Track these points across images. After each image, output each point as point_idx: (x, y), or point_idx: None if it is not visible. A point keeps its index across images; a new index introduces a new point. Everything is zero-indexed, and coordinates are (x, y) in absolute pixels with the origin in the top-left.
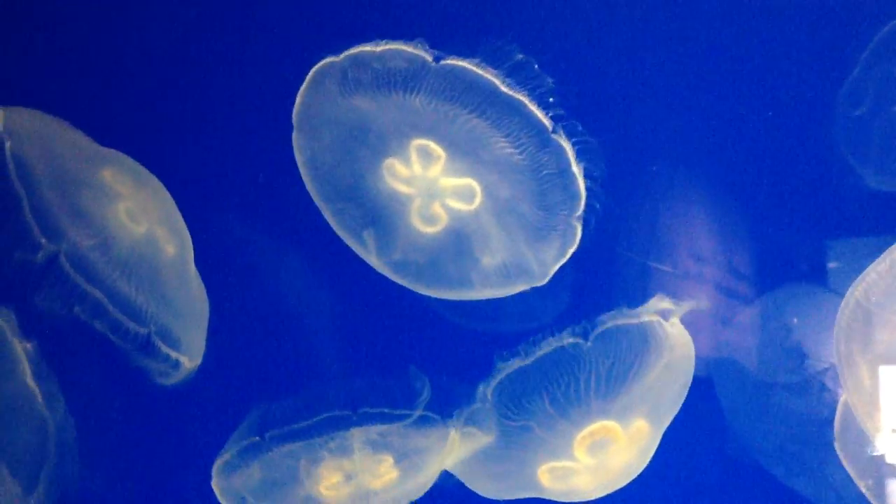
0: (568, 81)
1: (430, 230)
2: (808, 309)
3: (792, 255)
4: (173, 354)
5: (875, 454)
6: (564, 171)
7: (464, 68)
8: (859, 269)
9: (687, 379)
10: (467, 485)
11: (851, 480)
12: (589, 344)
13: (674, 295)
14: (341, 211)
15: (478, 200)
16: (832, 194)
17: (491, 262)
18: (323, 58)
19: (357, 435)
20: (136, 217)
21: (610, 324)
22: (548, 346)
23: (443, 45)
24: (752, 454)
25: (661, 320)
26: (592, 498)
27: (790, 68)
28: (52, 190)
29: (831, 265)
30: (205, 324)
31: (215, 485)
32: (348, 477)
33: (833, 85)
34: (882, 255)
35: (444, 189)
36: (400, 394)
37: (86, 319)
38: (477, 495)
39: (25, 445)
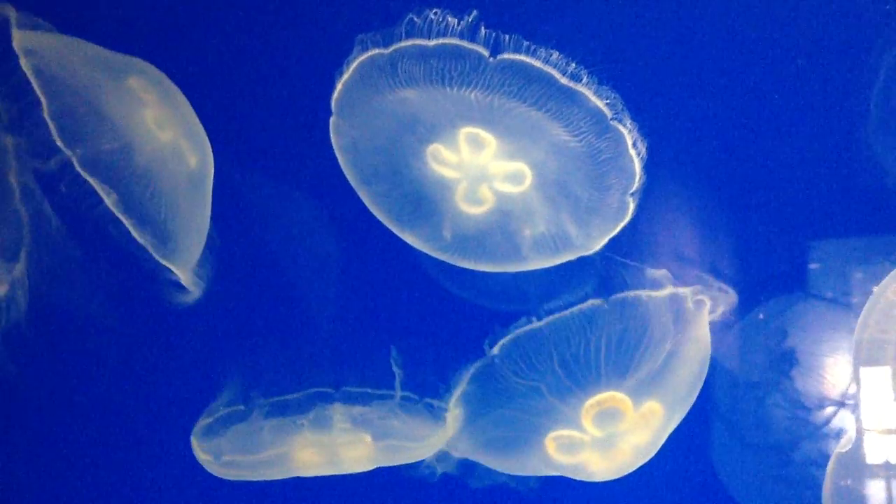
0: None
1: (476, 211)
2: (790, 309)
3: (775, 258)
4: (172, 266)
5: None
6: (622, 155)
7: (523, 62)
8: (840, 270)
9: (702, 369)
10: (474, 457)
11: None
12: (605, 305)
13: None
14: (380, 194)
15: (528, 182)
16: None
17: (537, 236)
18: (363, 37)
19: (339, 410)
20: (163, 125)
21: (629, 294)
22: (563, 310)
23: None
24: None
25: (679, 295)
26: (602, 480)
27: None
28: (73, 96)
29: (812, 266)
30: (202, 243)
31: (194, 444)
32: (324, 448)
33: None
34: None
35: (494, 173)
36: (383, 376)
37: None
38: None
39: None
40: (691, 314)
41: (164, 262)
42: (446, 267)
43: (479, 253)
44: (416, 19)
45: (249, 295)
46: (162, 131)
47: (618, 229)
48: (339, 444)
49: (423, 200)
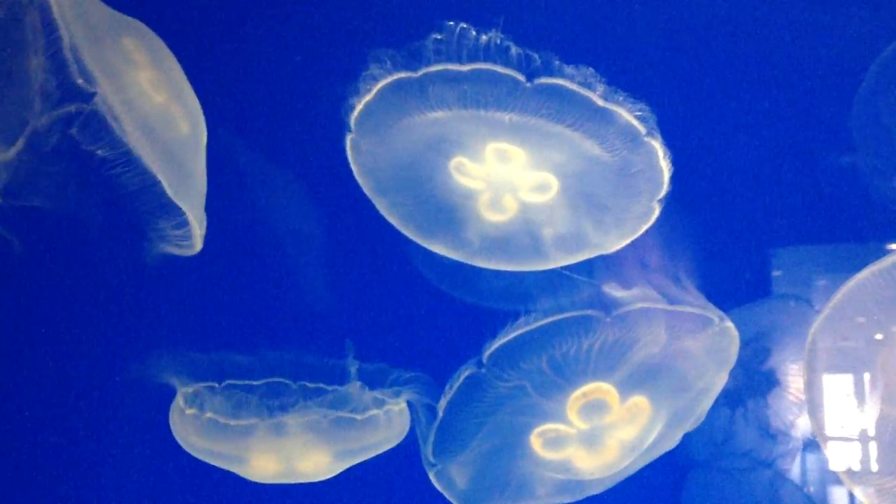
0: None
1: (499, 218)
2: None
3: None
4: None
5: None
6: (653, 167)
7: (560, 86)
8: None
9: (713, 374)
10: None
11: None
12: (596, 312)
13: None
14: (398, 204)
15: (553, 191)
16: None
17: (558, 236)
18: (384, 53)
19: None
20: (158, 87)
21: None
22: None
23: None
24: None
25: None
26: (592, 478)
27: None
28: (86, 42)
29: (775, 273)
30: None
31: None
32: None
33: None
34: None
35: (520, 185)
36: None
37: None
38: None
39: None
40: (682, 325)
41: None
42: (437, 265)
43: (501, 256)
44: (441, 37)
45: (234, 279)
46: (157, 93)
47: (640, 232)
48: (294, 454)
49: (444, 210)
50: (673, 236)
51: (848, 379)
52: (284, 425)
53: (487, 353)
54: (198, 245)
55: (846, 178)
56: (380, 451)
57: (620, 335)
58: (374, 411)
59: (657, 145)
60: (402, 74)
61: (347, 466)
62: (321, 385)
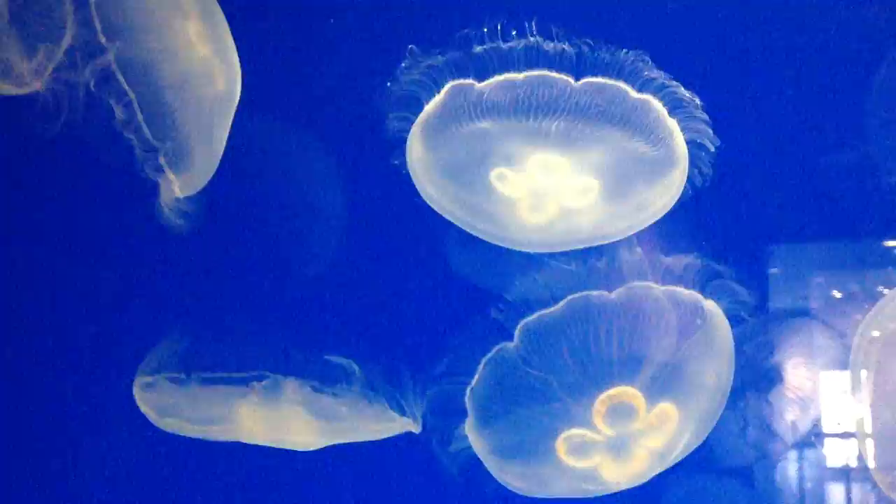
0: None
1: (539, 219)
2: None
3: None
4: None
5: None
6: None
7: (607, 85)
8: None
9: (720, 370)
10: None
11: None
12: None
13: None
14: (441, 197)
15: (594, 193)
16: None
17: (593, 223)
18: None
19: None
20: (203, 39)
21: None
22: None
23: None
24: None
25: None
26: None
27: None
28: None
29: (772, 270)
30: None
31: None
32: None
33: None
34: None
35: (562, 191)
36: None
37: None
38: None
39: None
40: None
41: (171, 177)
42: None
43: (537, 244)
44: (502, 46)
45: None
46: (201, 46)
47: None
48: (284, 417)
49: (484, 210)
50: (669, 234)
51: (846, 375)
52: (279, 392)
53: (517, 331)
54: (177, 192)
55: (842, 176)
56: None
57: (632, 320)
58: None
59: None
60: (463, 81)
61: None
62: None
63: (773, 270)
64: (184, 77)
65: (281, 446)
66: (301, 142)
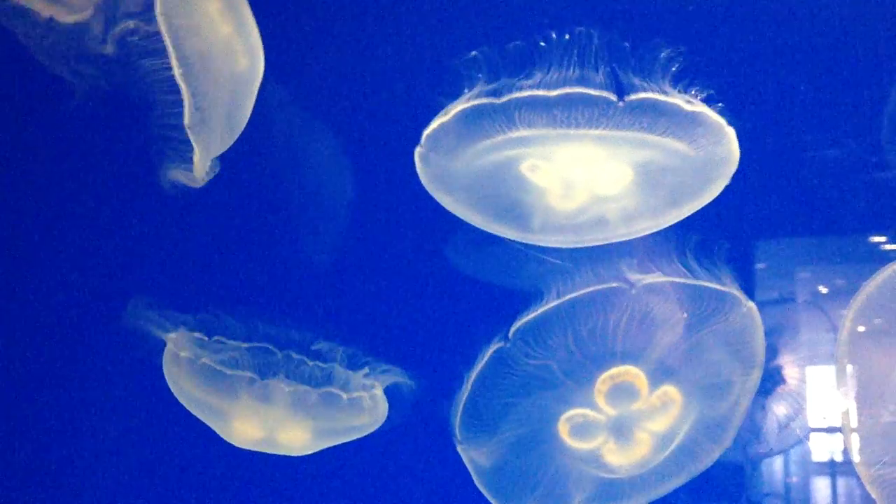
0: None
1: (569, 206)
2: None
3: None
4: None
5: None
6: (732, 153)
7: (652, 100)
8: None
9: (728, 362)
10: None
11: None
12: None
13: None
14: (464, 202)
15: (628, 181)
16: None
17: (623, 212)
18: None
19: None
20: (226, 17)
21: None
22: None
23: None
24: None
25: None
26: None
27: None
28: None
29: (758, 266)
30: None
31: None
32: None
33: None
34: None
35: (595, 182)
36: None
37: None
38: None
39: None
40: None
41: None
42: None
43: (567, 233)
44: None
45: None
46: (224, 24)
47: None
48: (277, 423)
49: (513, 205)
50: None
51: (830, 370)
52: (271, 391)
53: (514, 328)
54: (200, 175)
55: (829, 171)
56: (359, 435)
57: (644, 310)
58: (360, 393)
59: (732, 133)
60: (488, 100)
61: (325, 446)
62: (304, 358)
63: (760, 265)
64: (206, 54)
65: (272, 450)
66: (318, 128)
